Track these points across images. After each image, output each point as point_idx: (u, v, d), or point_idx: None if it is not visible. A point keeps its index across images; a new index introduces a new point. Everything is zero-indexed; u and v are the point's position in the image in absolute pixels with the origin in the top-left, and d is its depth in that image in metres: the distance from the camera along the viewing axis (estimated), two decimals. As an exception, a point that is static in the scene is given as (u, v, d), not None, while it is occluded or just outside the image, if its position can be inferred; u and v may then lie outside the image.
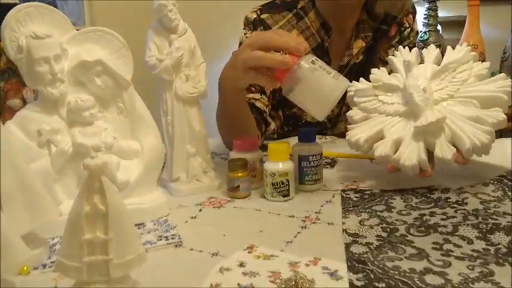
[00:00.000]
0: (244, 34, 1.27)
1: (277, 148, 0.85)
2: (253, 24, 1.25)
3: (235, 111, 1.04)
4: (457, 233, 0.69)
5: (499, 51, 1.51)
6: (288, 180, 0.84)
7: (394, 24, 1.26)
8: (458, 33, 1.56)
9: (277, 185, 0.84)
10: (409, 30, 1.28)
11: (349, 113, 0.94)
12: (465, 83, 0.86)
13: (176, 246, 0.69)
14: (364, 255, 0.63)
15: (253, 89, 1.19)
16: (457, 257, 0.62)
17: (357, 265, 0.61)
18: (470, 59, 0.89)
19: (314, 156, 0.88)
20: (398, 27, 1.26)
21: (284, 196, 0.84)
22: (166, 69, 0.84)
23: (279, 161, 0.84)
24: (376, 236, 0.69)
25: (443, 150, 0.81)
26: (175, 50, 0.84)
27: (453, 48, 0.91)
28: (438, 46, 1.80)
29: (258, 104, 1.19)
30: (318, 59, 0.85)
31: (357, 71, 1.25)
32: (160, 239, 0.71)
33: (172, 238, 0.71)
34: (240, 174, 0.87)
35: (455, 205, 0.79)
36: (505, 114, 0.82)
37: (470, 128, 0.80)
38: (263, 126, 1.19)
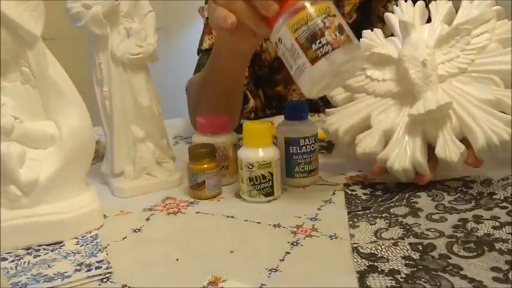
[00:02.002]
0: None
1: (256, 129, 0.62)
2: None
3: (227, 82, 0.79)
4: (524, 252, 0.46)
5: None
6: (271, 174, 0.61)
7: None
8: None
9: (256, 181, 0.61)
10: None
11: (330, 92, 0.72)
12: (483, 52, 0.63)
13: (102, 280, 0.46)
14: (391, 295, 0.41)
15: None
16: (536, 295, 0.40)
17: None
18: (492, 17, 0.64)
19: (307, 139, 0.65)
20: None
21: (266, 195, 0.62)
22: (96, 18, 0.60)
23: (258, 147, 0.61)
24: (403, 258, 0.47)
25: (448, 149, 0.59)
26: (108, -9, 0.60)
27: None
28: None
29: None
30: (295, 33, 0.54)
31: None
32: (79, 270, 0.47)
33: (97, 268, 0.48)
34: (205, 166, 0.63)
35: (505, 204, 0.58)
36: None
37: (486, 117, 0.58)
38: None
